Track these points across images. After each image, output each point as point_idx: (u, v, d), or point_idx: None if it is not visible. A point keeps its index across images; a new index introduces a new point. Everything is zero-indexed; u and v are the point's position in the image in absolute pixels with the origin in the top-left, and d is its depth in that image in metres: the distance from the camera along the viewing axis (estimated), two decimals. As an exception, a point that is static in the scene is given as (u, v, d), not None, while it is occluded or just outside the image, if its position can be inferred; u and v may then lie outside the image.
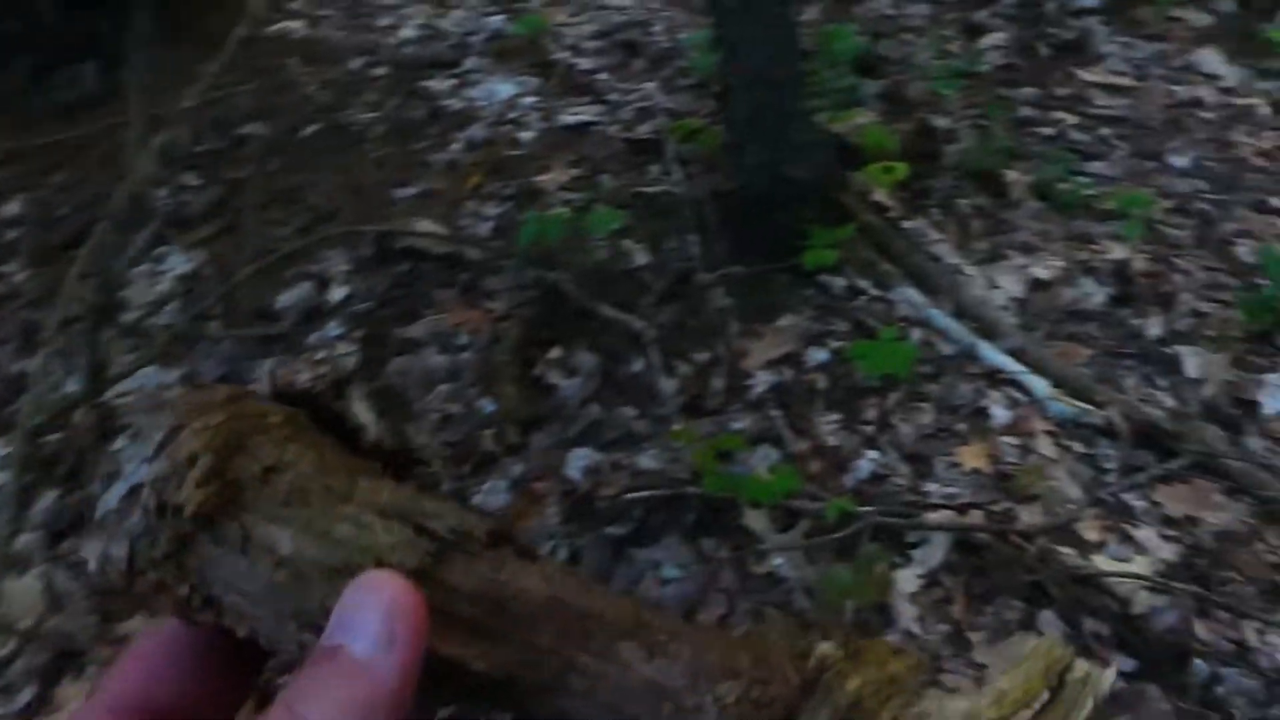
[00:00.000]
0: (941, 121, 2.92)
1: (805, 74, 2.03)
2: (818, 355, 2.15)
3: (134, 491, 0.37)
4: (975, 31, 3.52)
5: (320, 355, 2.04)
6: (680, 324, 2.16)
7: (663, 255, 2.28)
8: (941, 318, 2.28)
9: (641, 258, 2.25)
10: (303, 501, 0.38)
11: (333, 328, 2.15)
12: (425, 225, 2.29)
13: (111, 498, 0.38)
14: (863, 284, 2.34)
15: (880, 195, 2.53)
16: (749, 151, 2.06)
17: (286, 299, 2.21)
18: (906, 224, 2.52)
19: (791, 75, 1.92)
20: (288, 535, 0.37)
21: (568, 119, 2.70)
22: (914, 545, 1.83)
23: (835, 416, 2.04)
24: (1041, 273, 2.43)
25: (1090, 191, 2.74)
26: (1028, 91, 3.20)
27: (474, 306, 2.09)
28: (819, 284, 2.32)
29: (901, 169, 2.42)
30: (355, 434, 0.43)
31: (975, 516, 1.87)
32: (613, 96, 2.79)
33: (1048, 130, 3.00)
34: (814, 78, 2.85)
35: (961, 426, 2.08)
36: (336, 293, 2.22)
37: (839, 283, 2.34)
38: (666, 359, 2.08)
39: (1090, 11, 3.53)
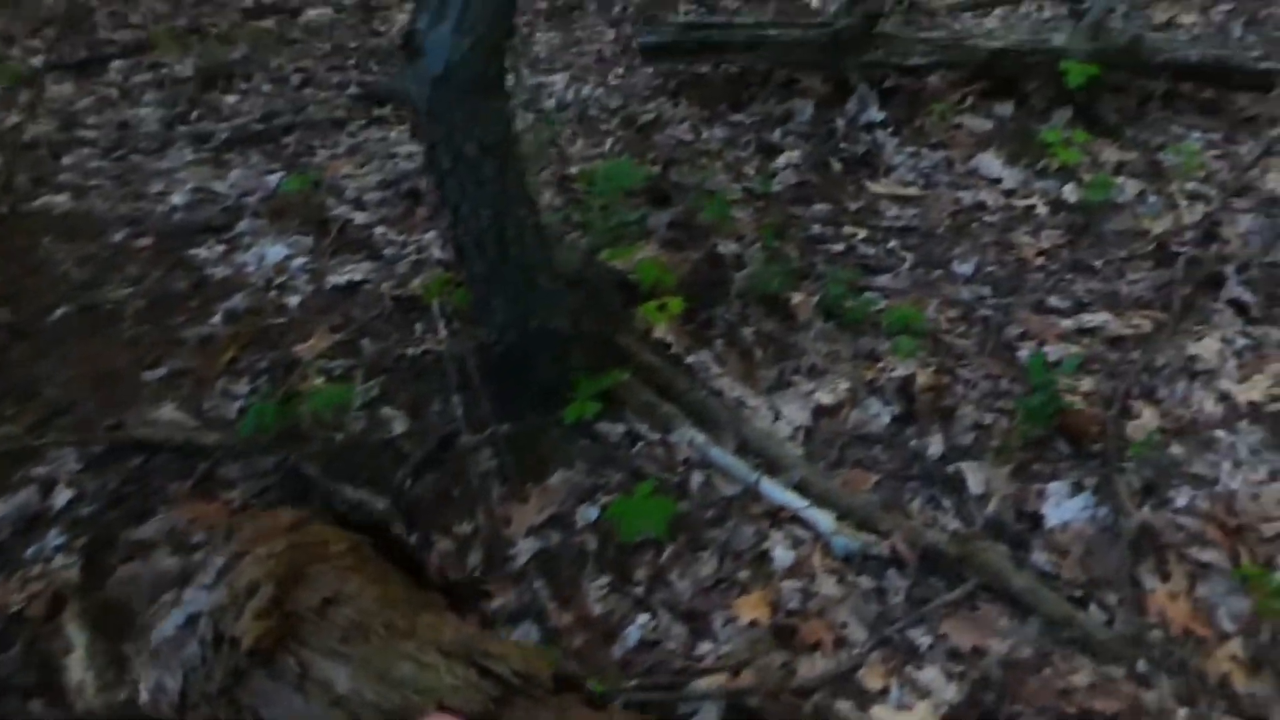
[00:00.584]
0: (732, 247, 2.96)
1: (539, 226, 2.01)
2: (589, 513, 2.08)
3: (191, 620, 0.36)
4: (771, 151, 3.63)
5: (36, 571, 1.87)
6: (442, 494, 2.06)
7: (426, 420, 2.20)
8: (724, 456, 2.24)
9: (401, 425, 2.17)
10: (363, 637, 0.38)
11: (54, 537, 1.98)
12: (166, 412, 2.17)
13: (169, 625, 0.36)
14: (642, 428, 2.29)
15: (662, 332, 2.52)
16: (495, 307, 2.02)
17: (4, 508, 2.04)
18: (691, 358, 2.50)
19: (521, 230, 1.90)
20: (345, 673, 0.38)
21: (337, 279, 2.64)
22: (687, 716, 1.73)
23: (605, 579, 1.96)
24: (827, 398, 2.43)
25: (878, 306, 2.79)
26: (820, 208, 3.28)
27: (211, 498, 1.96)
28: (595, 433, 2.27)
29: (676, 304, 2.42)
30: (420, 564, 0.39)
31: (750, 675, 1.78)
32: (389, 251, 2.74)
33: (838, 246, 3.07)
34: (589, 215, 2.87)
35: (743, 574, 2.02)
36: (61, 496, 2.06)
37: (618, 430, 2.29)
38: (426, 535, 1.97)
39: (879, 125, 3.69)
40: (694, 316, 2.64)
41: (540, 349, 2.10)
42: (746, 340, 2.58)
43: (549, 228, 2.79)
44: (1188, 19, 4.48)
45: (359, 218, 2.90)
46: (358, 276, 2.65)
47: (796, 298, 2.74)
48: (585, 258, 2.64)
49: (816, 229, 3.15)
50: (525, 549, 1.97)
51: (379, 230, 2.82)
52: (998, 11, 4.77)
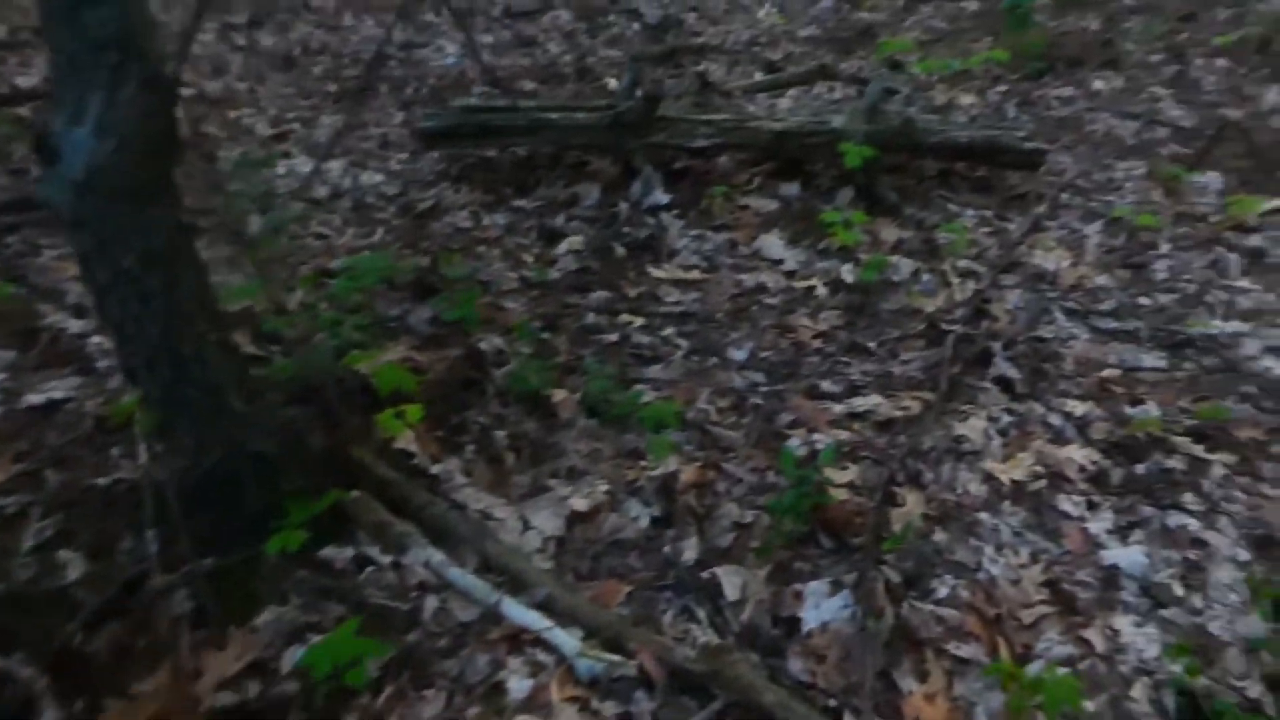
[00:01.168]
0: (496, 342, 2.84)
1: (226, 341, 1.84)
2: (299, 655, 1.88)
3: None
4: (554, 237, 3.56)
5: None
6: (122, 648, 1.83)
7: (112, 561, 1.97)
8: (463, 577, 2.09)
9: (78, 569, 1.93)
10: None
11: None
12: None
13: None
14: (373, 551, 2.12)
15: (405, 441, 2.36)
16: (181, 432, 1.83)
17: None
18: (436, 468, 2.35)
19: (201, 347, 1.72)
20: None
21: (36, 398, 2.38)
22: None
23: (308, 735, 1.75)
24: (583, 503, 2.32)
25: (648, 398, 2.72)
26: (598, 296, 3.22)
27: None
28: (317, 561, 2.08)
29: (415, 412, 2.27)
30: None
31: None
32: (103, 363, 2.50)
33: (612, 336, 3.00)
34: (339, 314, 2.71)
35: (473, 711, 1.85)
36: None
37: (344, 555, 2.11)
38: (94, 700, 1.73)
39: (664, 208, 3.68)
40: (445, 421, 2.50)
41: (245, 473, 1.91)
42: (500, 444, 2.45)
43: (297, 327, 2.62)
44: (967, 100, 4.72)
45: (75, 326, 2.65)
46: (60, 394, 2.39)
47: (559, 395, 2.63)
48: (327, 362, 2.47)
49: (591, 318, 3.08)
50: (217, 702, 1.76)
51: (94, 340, 2.58)
52: (792, 92, 4.92)
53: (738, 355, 2.92)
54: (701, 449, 2.55)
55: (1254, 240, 3.54)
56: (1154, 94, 4.90)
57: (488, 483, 2.35)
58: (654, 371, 2.84)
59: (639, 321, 3.08)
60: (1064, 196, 3.84)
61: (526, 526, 2.25)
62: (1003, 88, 4.88)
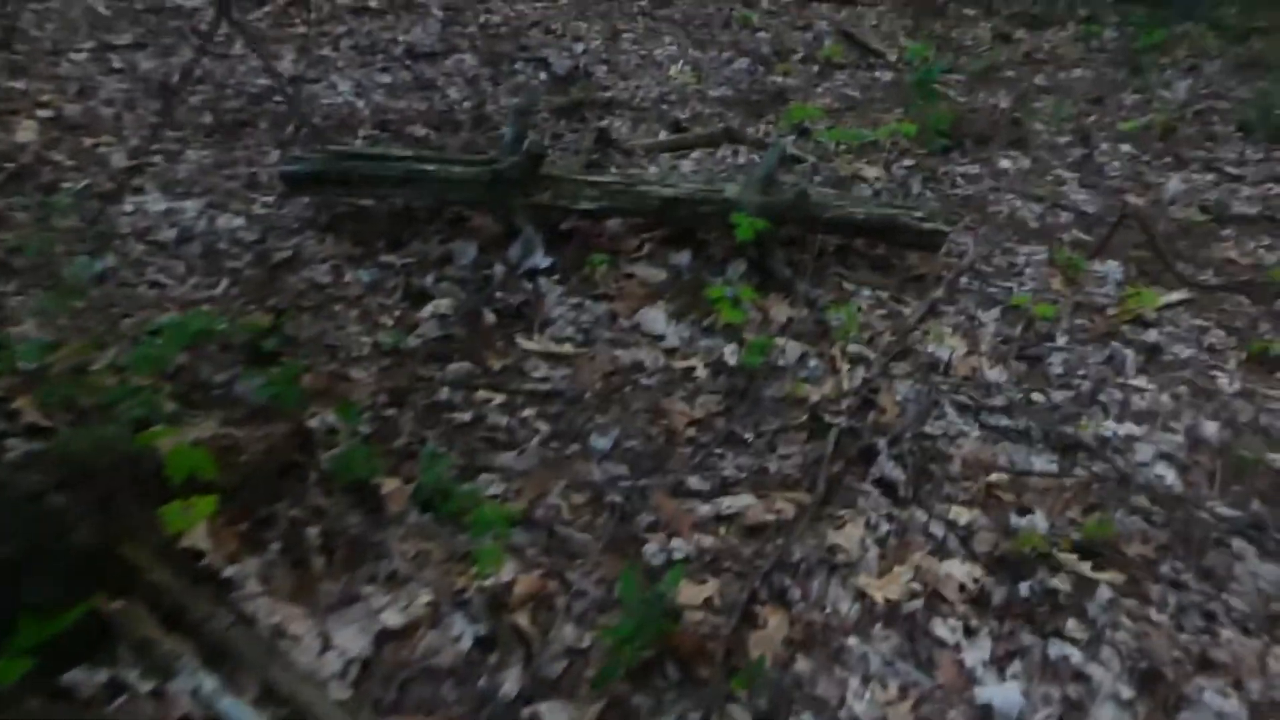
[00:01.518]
0: (330, 419, 2.54)
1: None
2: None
3: None
4: (420, 298, 3.29)
5: None
6: None
7: None
8: (238, 709, 1.77)
9: None
10: None
11: None
12: None
13: None
14: (131, 675, 1.79)
15: (196, 538, 2.04)
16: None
17: None
18: (231, 571, 2.04)
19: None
20: None
21: None
22: None
23: None
24: (398, 618, 2.03)
25: (495, 490, 2.45)
26: (457, 368, 2.95)
27: None
28: (60, 688, 1.75)
29: (206, 504, 1.96)
30: None
31: None
32: None
33: (464, 416, 2.73)
34: (145, 383, 2.39)
35: None
36: None
37: (96, 679, 1.78)
38: None
39: (544, 272, 3.44)
40: (253, 512, 2.19)
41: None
42: (311, 543, 2.15)
43: (96, 393, 2.30)
44: (872, 172, 4.61)
45: None
46: None
47: (390, 484, 2.35)
48: (121, 437, 2.15)
49: (445, 394, 2.80)
50: None
51: None
52: (695, 154, 4.76)
53: (601, 443, 2.68)
54: (546, 553, 2.28)
55: (1151, 335, 3.44)
56: (1059, 176, 4.87)
57: (290, 590, 2.04)
58: (505, 459, 2.57)
59: (498, 399, 2.82)
60: (964, 280, 3.71)
61: (327, 646, 1.95)
62: (909, 162, 4.78)
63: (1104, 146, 5.26)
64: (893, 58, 6.56)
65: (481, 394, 2.83)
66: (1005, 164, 4.95)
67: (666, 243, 3.73)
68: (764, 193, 3.53)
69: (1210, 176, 4.98)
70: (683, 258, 3.64)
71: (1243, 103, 5.92)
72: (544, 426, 2.73)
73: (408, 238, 3.64)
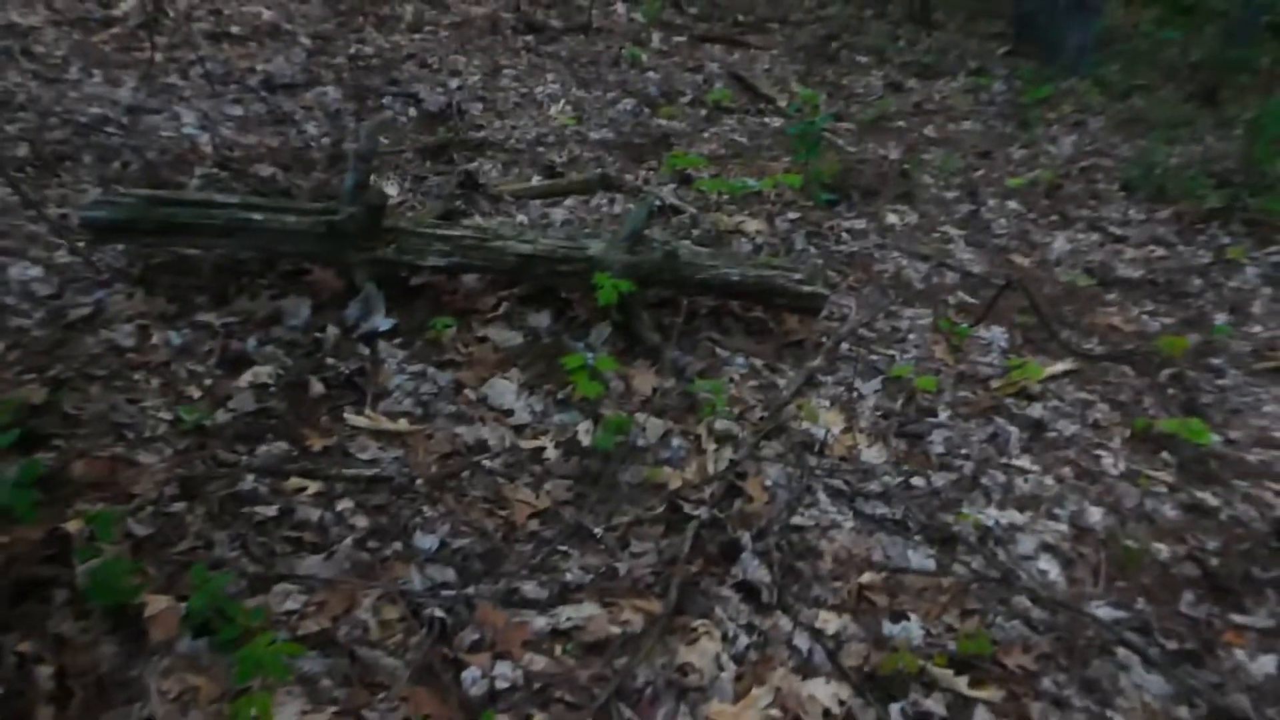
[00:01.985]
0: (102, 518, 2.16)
1: None
2: None
3: None
4: (237, 365, 2.92)
5: None
6: None
7: None
8: None
9: None
10: None
11: None
12: None
13: None
14: None
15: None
16: None
17: None
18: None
19: None
20: None
21: None
22: None
23: None
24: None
25: (291, 605, 2.11)
26: (271, 449, 2.60)
27: None
28: None
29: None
30: None
31: None
32: None
33: (270, 510, 2.38)
34: None
35: None
36: None
37: None
38: None
39: (384, 335, 3.11)
40: (-24, 643, 1.81)
41: None
42: (42, 686, 1.77)
43: None
44: (754, 226, 4.41)
45: None
46: None
47: (157, 604, 1.99)
48: None
49: (249, 482, 2.44)
50: None
51: None
52: (569, 201, 4.50)
53: (427, 542, 2.36)
54: (345, 684, 1.94)
55: (1035, 410, 3.29)
56: (946, 233, 4.76)
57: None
58: (310, 564, 2.23)
59: (313, 488, 2.48)
60: (844, 347, 3.51)
61: (42, 828, 1.57)
62: (794, 215, 4.61)
63: (991, 203, 5.19)
64: (783, 103, 6.45)
65: (293, 481, 2.48)
66: (893, 219, 4.82)
67: (527, 301, 3.45)
68: (631, 251, 3.28)
69: (1095, 236, 4.94)
70: (543, 319, 3.36)
71: (1125, 161, 5.95)
72: (362, 522, 2.40)
73: (234, 293, 3.27)
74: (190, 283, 3.29)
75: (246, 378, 2.87)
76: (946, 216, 4.98)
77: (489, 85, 6.01)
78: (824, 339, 3.50)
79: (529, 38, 7.15)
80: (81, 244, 3.32)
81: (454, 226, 3.33)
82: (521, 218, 4.26)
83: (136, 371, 2.83)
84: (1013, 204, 5.23)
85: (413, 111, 5.39)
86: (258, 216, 3.16)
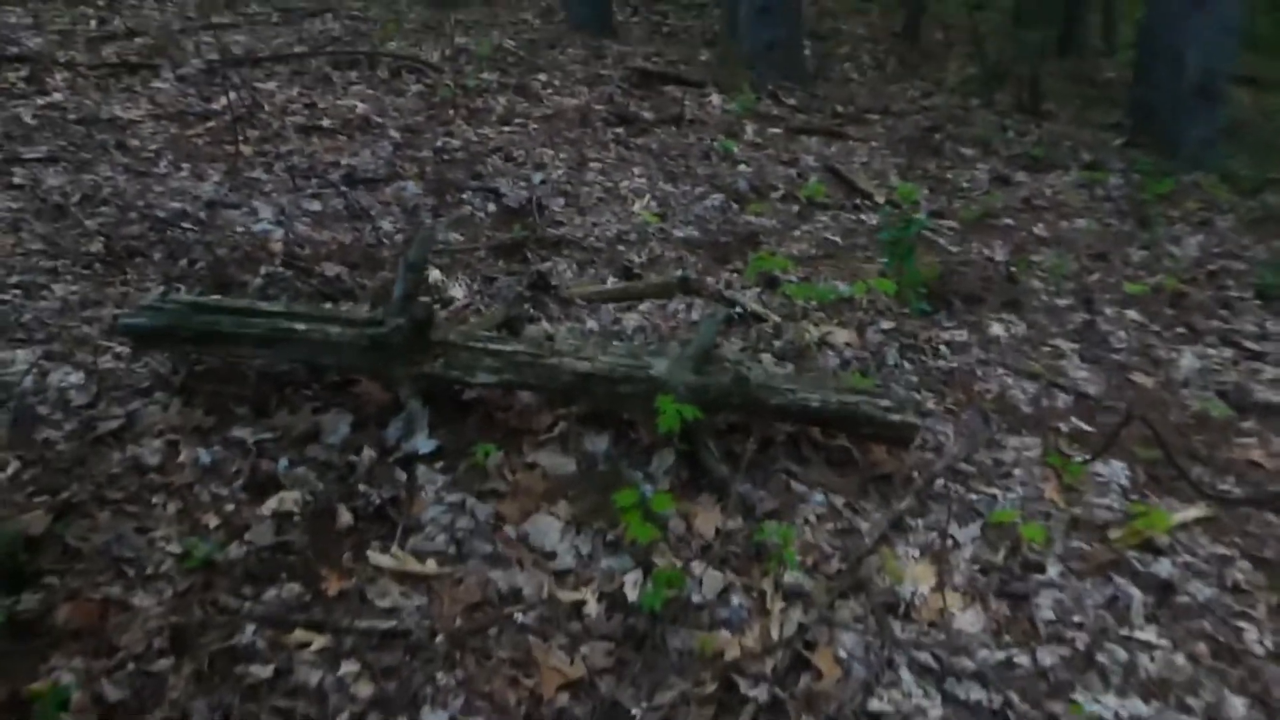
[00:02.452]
0: (77, 668, 1.91)
1: None
2: None
3: None
4: (265, 489, 2.69)
5: None
6: None
7: None
8: None
9: None
10: None
11: None
12: None
13: None
14: None
15: None
16: None
17: None
18: None
19: None
20: None
21: None
22: None
23: None
24: None
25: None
26: (282, 593, 2.34)
27: None
28: None
29: None
30: None
31: None
32: None
33: (264, 671, 2.11)
34: None
35: None
36: None
37: None
38: None
39: (425, 458, 2.86)
40: None
41: None
42: None
43: None
44: (842, 337, 4.06)
45: None
46: None
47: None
48: None
49: (248, 634, 2.17)
50: None
51: None
52: (645, 306, 4.23)
53: (434, 719, 2.03)
54: None
55: (1163, 567, 2.82)
56: (1058, 347, 4.31)
57: None
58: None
59: (318, 643, 2.20)
60: (938, 484, 3.10)
61: None
62: (887, 324, 4.24)
63: (1108, 312, 4.72)
64: (880, 199, 6.10)
65: (298, 635, 2.21)
66: (997, 329, 4.40)
67: (587, 421, 3.15)
68: (698, 371, 2.97)
69: (1228, 352, 4.41)
70: (601, 442, 3.05)
71: (1259, 264, 5.41)
72: (366, 690, 2.10)
73: (275, 404, 3.07)
74: (232, 391, 3.10)
75: (271, 504, 2.64)
76: (1058, 327, 4.53)
77: (573, 179, 5.85)
78: (915, 474, 3.10)
79: (619, 130, 7.01)
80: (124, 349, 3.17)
81: (507, 341, 3.08)
82: (592, 324, 4.00)
83: (156, 494, 2.62)
84: (1132, 313, 4.75)
85: (492, 207, 5.24)
86: (300, 327, 2.96)
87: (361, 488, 2.74)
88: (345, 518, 2.63)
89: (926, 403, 3.51)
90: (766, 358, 3.79)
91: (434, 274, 4.26)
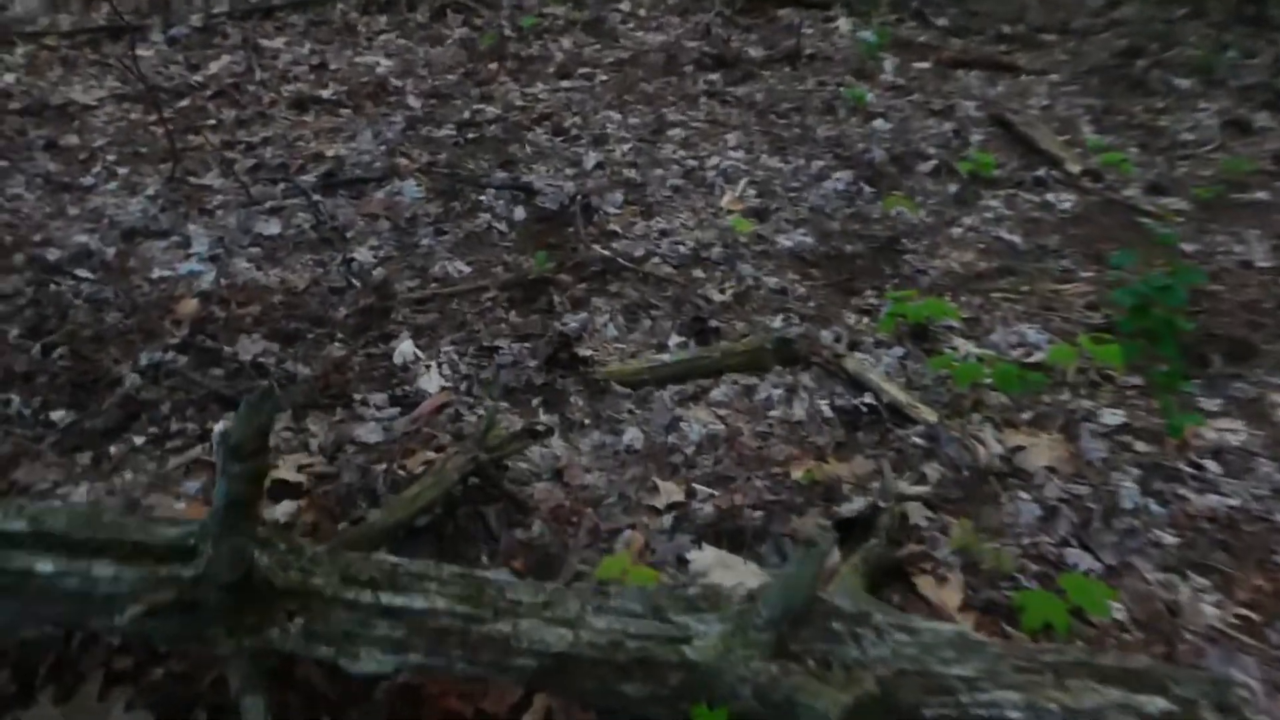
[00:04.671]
0: None
1: None
2: None
3: None
4: None
5: None
6: None
7: None
8: None
9: None
10: None
11: None
12: None
13: None
14: None
15: None
16: None
17: None
18: None
19: None
20: None
21: None
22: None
23: None
24: None
25: None
26: None
27: None
28: None
29: None
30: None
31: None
32: None
33: None
34: None
35: None
36: None
37: None
38: None
39: None
40: None
41: None
42: None
43: None
44: (1042, 456, 2.50)
45: None
46: None
47: None
48: None
49: None
50: None
51: None
52: (721, 389, 2.76)
53: None
54: None
55: None
56: None
57: None
58: None
59: None
60: None
61: None
62: (1114, 416, 2.61)
63: None
64: (1075, 169, 4.34)
65: None
66: (1290, 411, 2.71)
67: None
68: (781, 650, 1.48)
69: None
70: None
71: None
72: None
73: (40, 683, 1.74)
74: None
75: None
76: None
77: (643, 157, 4.32)
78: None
79: (714, 77, 5.41)
80: None
81: (423, 582, 1.64)
82: (633, 433, 2.53)
83: None
84: None
85: (519, 213, 3.78)
86: (46, 569, 1.61)
87: None
88: None
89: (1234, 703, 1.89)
90: (914, 507, 2.27)
91: (404, 346, 2.86)
